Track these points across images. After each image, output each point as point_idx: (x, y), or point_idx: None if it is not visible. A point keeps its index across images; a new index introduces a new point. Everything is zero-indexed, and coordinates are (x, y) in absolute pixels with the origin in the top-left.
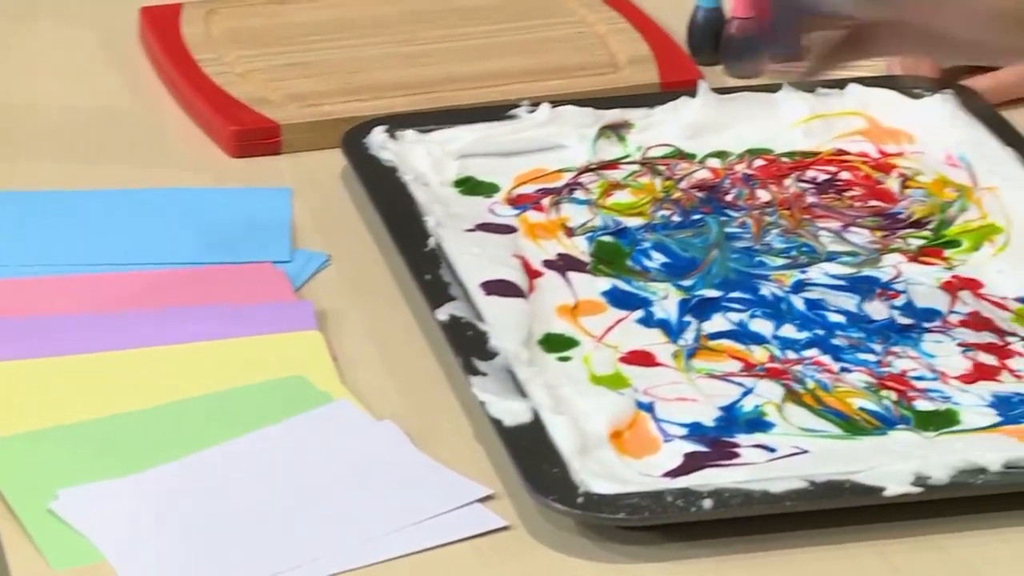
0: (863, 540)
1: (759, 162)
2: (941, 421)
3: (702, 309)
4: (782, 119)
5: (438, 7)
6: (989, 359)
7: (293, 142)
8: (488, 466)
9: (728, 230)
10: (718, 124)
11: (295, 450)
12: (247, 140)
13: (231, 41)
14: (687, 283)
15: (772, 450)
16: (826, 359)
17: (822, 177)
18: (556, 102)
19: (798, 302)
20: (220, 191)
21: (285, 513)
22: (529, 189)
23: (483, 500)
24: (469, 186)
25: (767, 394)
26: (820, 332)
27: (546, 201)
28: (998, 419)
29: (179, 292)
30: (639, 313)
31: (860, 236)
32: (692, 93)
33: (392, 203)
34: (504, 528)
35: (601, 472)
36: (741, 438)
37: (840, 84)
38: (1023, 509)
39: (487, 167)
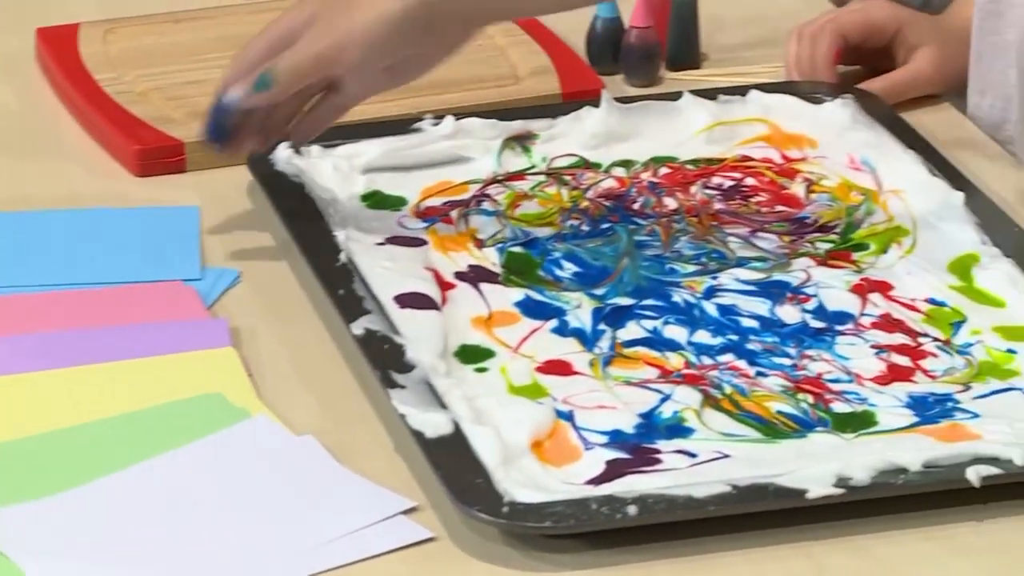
0: (788, 542)
1: (664, 170)
2: (858, 423)
3: (616, 317)
4: (685, 127)
5: None
6: (903, 360)
7: (197, 160)
8: (410, 478)
9: (637, 238)
10: (622, 133)
11: (215, 467)
12: (151, 159)
13: (129, 60)
14: (599, 292)
15: (693, 455)
16: (742, 364)
17: (728, 184)
18: (460, 115)
19: (711, 308)
20: (126, 211)
21: (208, 530)
22: (437, 202)
23: (407, 512)
24: (376, 200)
25: (685, 400)
26: (734, 337)
27: (454, 213)
28: (915, 419)
29: (90, 312)
30: (553, 323)
31: (768, 241)
32: (595, 103)
33: (301, 219)
34: (430, 539)
35: (524, 482)
36: (662, 444)
37: (741, 91)
38: (943, 508)
39: (393, 181)
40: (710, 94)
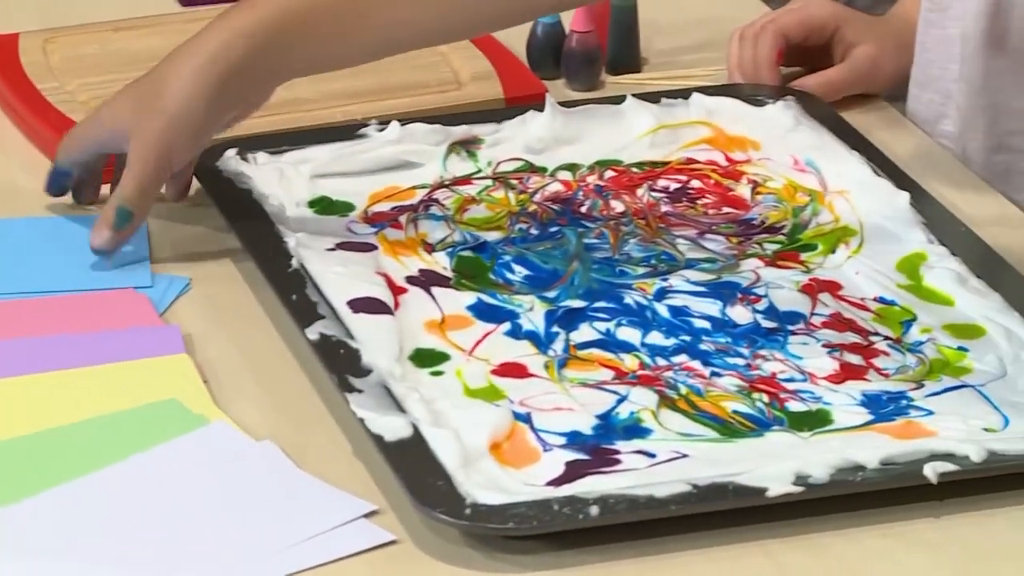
0: (749, 540)
1: (610, 173)
2: (814, 421)
3: (569, 320)
4: (629, 130)
5: None
6: (855, 359)
7: None
8: (370, 482)
9: (586, 241)
10: (566, 137)
11: (175, 474)
12: None
13: (71, 69)
14: (551, 295)
15: (652, 455)
16: (696, 364)
17: (674, 186)
18: (405, 120)
19: (662, 309)
20: (75, 219)
21: (170, 537)
22: (384, 207)
23: (369, 515)
24: (324, 206)
25: (641, 401)
26: (687, 338)
27: (403, 218)
28: (870, 417)
29: (42, 321)
30: (506, 326)
31: (717, 243)
32: (539, 107)
33: (251, 225)
34: (392, 542)
35: (485, 483)
36: (621, 445)
37: (684, 94)
38: (901, 504)
39: (341, 187)
40: (653, 97)
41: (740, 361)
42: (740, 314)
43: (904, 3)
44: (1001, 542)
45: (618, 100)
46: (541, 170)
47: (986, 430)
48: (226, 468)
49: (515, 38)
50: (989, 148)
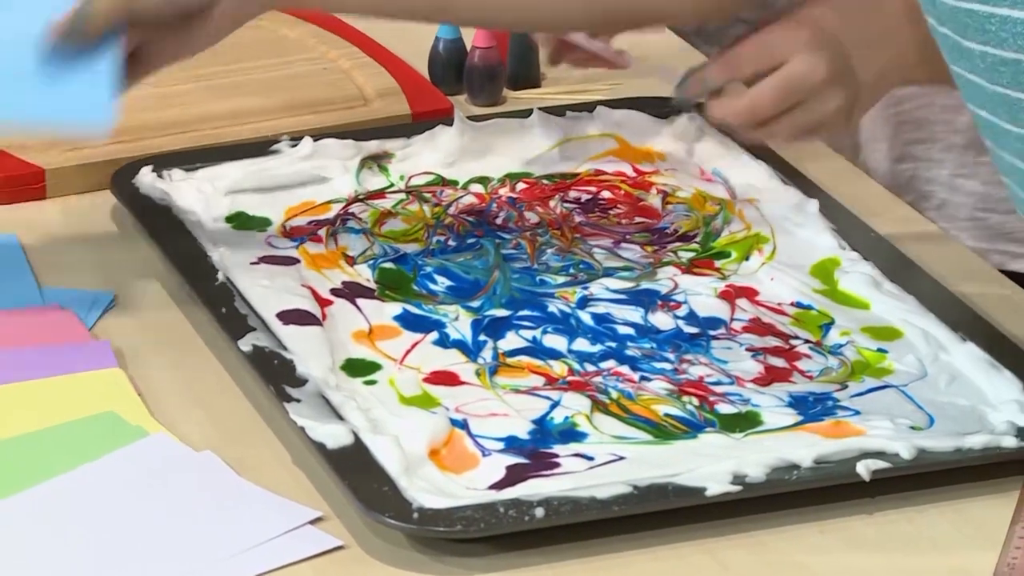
0: (690, 539)
1: (521, 185)
2: (745, 423)
3: (495, 328)
4: (537, 143)
5: None
6: (778, 362)
7: (59, 186)
8: (312, 490)
9: (505, 251)
10: (476, 151)
11: (117, 486)
12: (11, 187)
13: None
14: (475, 304)
15: (590, 458)
16: (625, 369)
17: (585, 197)
18: (317, 136)
19: (586, 317)
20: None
21: (116, 549)
22: (301, 221)
23: (313, 522)
24: (241, 221)
25: (575, 406)
26: (612, 344)
27: (322, 232)
28: (799, 418)
29: None
30: (434, 335)
31: (632, 252)
32: (447, 122)
33: (173, 241)
34: (339, 548)
35: (429, 488)
36: (558, 448)
37: (589, 107)
38: (836, 502)
39: (256, 202)
40: (558, 111)
41: (667, 366)
42: (662, 320)
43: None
44: (933, 535)
45: (525, 114)
46: (453, 183)
47: (913, 428)
48: (168, 479)
49: (417, 55)
50: (893, 158)
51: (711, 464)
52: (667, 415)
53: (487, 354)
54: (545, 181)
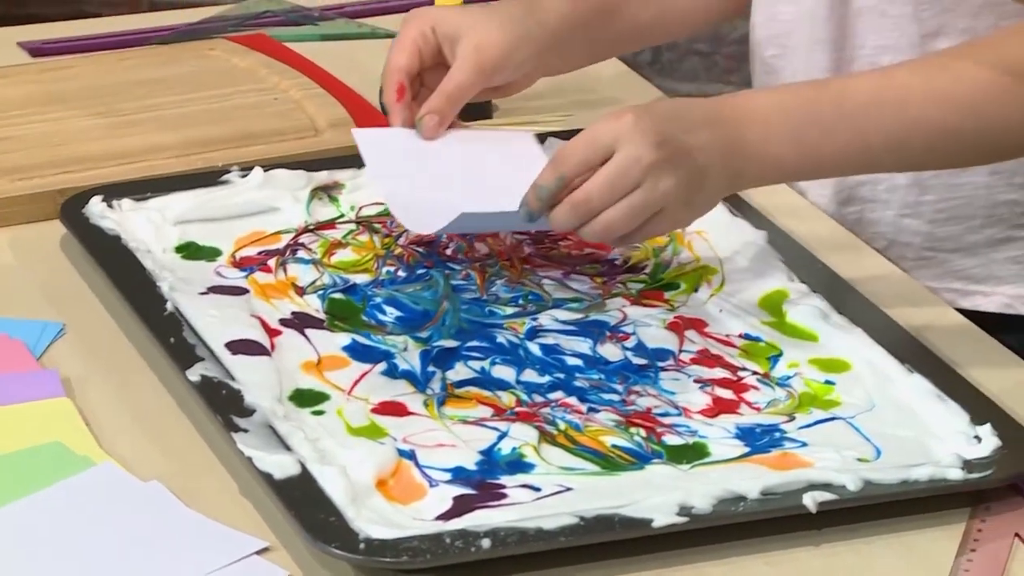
0: (637, 571)
1: None
2: (692, 454)
3: (444, 359)
4: None
5: (128, 79)
6: (726, 393)
7: (8, 216)
8: (259, 520)
9: (454, 282)
10: None
11: (64, 516)
12: None
13: None
14: (424, 335)
15: (537, 489)
16: (572, 400)
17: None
18: (266, 166)
19: (535, 348)
20: None
21: None
22: (251, 251)
23: (260, 552)
24: (191, 251)
25: (522, 436)
26: (561, 375)
27: (272, 262)
28: (746, 449)
29: None
30: (383, 365)
31: (582, 283)
32: None
33: (122, 271)
34: None
35: (376, 519)
36: (505, 479)
37: (539, 138)
38: (782, 534)
39: (206, 232)
40: None
41: (615, 397)
42: (610, 351)
43: None
44: (880, 567)
45: None
46: None
47: (860, 460)
48: (115, 509)
49: (368, 85)
50: (839, 201)
51: (658, 495)
52: (615, 446)
53: (435, 385)
54: None
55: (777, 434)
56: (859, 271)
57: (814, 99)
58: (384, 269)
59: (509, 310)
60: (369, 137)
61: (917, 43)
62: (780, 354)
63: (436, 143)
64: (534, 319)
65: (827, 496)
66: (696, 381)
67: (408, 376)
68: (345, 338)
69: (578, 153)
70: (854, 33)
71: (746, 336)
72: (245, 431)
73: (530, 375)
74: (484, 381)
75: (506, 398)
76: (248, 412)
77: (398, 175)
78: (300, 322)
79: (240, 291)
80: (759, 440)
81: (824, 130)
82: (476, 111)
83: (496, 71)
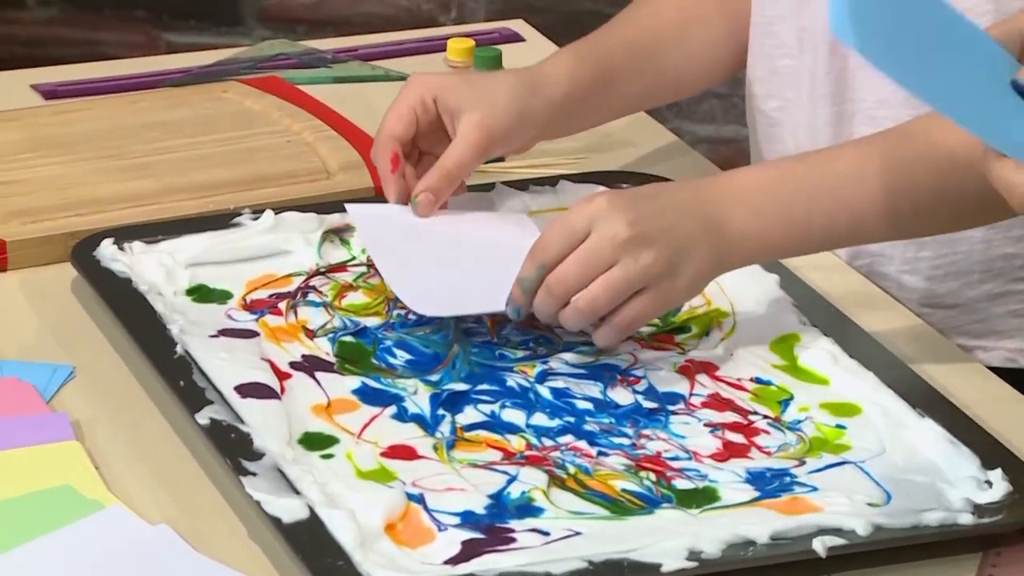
0: None
1: None
2: (702, 498)
3: (454, 402)
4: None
5: (140, 121)
6: (737, 437)
7: (19, 259)
8: (268, 564)
9: (465, 325)
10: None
11: (73, 559)
12: None
13: None
14: (434, 378)
15: (546, 534)
16: (582, 444)
17: None
18: (278, 209)
19: (545, 391)
20: None
21: None
22: (262, 294)
23: None
24: (202, 294)
25: (532, 480)
26: (571, 419)
27: (282, 305)
28: (756, 494)
29: None
30: (392, 409)
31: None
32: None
33: (132, 314)
34: None
35: (384, 563)
36: (515, 524)
37: (551, 181)
38: None
39: (217, 275)
40: (521, 185)
41: (625, 440)
42: (621, 395)
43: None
44: None
45: (487, 187)
46: None
47: (870, 505)
48: (124, 553)
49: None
50: (849, 254)
51: (667, 540)
52: (624, 490)
53: (445, 428)
54: None
55: (787, 478)
56: (870, 315)
57: (798, 172)
58: (395, 312)
59: (520, 353)
60: (364, 213)
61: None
62: (791, 398)
63: (431, 221)
64: (544, 362)
65: (837, 541)
66: (707, 425)
67: (418, 419)
68: (355, 381)
69: (555, 241)
70: (853, 87)
71: (757, 380)
72: (254, 475)
73: (540, 419)
74: (494, 425)
75: (516, 442)
76: (257, 456)
77: (396, 252)
78: (310, 365)
79: (251, 334)
80: (769, 484)
81: (811, 203)
82: None
83: (497, 148)
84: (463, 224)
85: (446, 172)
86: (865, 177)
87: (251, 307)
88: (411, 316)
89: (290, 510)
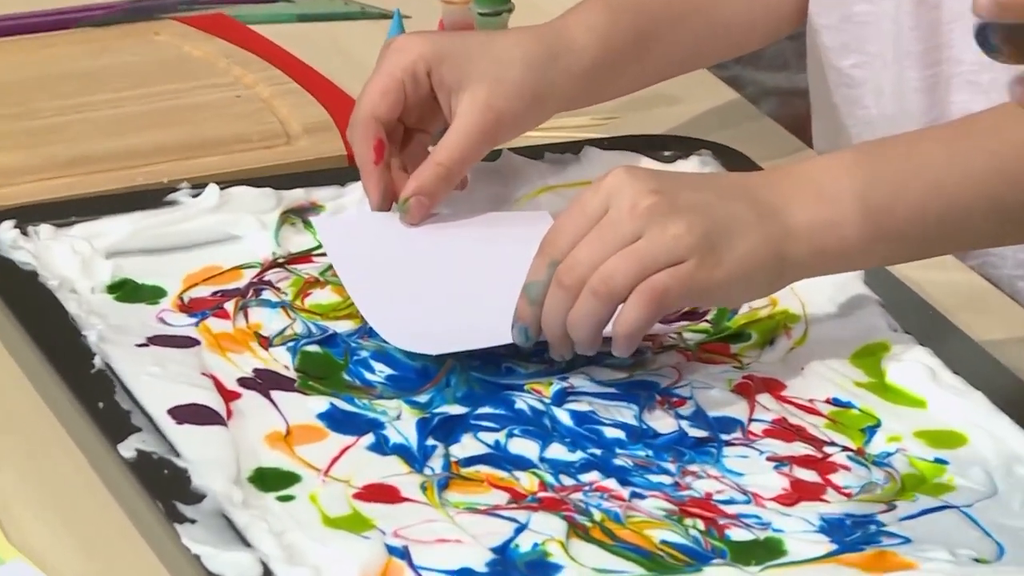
0: None
1: None
2: (763, 552)
3: (447, 430)
4: (507, 193)
5: (51, 71)
6: (808, 475)
7: None
8: None
9: None
10: None
11: None
12: None
13: None
14: (422, 399)
15: None
16: (611, 484)
17: None
18: (224, 183)
19: (564, 416)
20: None
21: None
22: (204, 292)
23: None
24: (127, 291)
25: (546, 530)
26: (597, 452)
27: (229, 306)
28: (833, 547)
29: None
30: (369, 438)
31: None
32: None
33: (39, 317)
34: None
35: None
36: None
37: (574, 147)
38: None
39: (147, 267)
40: (535, 152)
41: (666, 479)
42: (661, 421)
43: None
44: None
45: (492, 157)
46: None
47: (978, 561)
48: None
49: (354, 79)
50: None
51: None
52: (664, 542)
53: (436, 463)
54: None
55: (872, 527)
56: (980, 320)
57: (876, 153)
58: None
59: (532, 367)
60: (335, 229)
61: None
62: (878, 424)
63: (421, 231)
64: (563, 379)
65: None
66: (770, 459)
67: (401, 452)
68: (322, 403)
69: (567, 229)
70: (948, 45)
71: (835, 401)
72: (192, 522)
73: (558, 451)
74: (498, 458)
75: (526, 480)
76: (196, 498)
77: (376, 278)
78: (264, 382)
79: (189, 342)
80: (849, 535)
81: (895, 189)
82: None
83: (506, 135)
84: (461, 231)
85: (443, 169)
86: (967, 161)
87: (190, 308)
88: None
89: (238, 567)
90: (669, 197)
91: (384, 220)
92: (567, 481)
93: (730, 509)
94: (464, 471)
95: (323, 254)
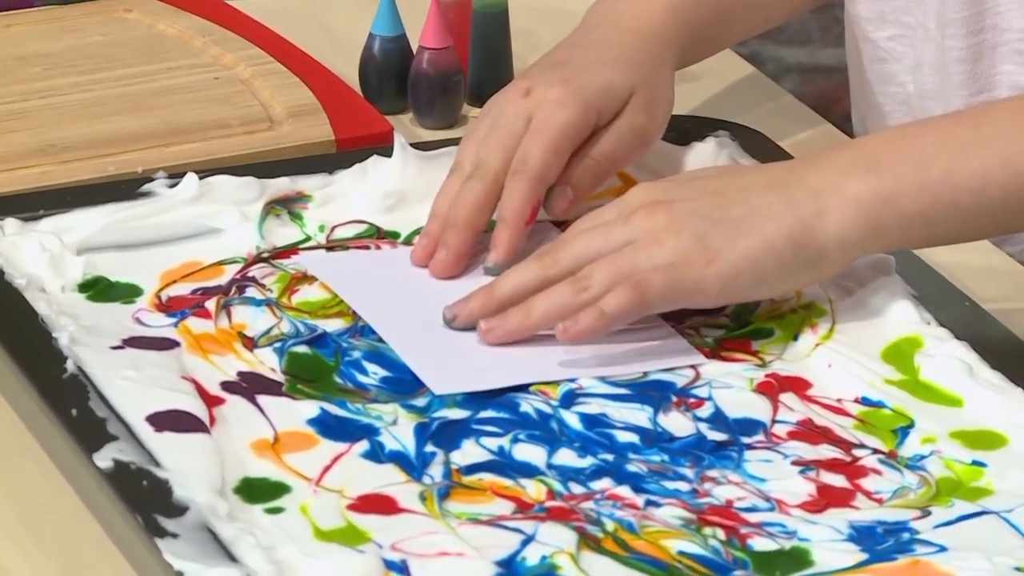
0: None
1: None
2: (789, 563)
3: (447, 436)
4: None
5: (12, 53)
6: (836, 480)
7: None
8: None
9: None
10: (422, 191)
11: None
12: None
13: None
14: (420, 402)
15: None
16: (624, 491)
17: None
18: (203, 172)
19: (572, 419)
20: None
21: None
22: (183, 289)
23: None
24: (100, 290)
25: (555, 541)
26: (609, 457)
27: (211, 304)
28: (863, 556)
29: None
30: (363, 445)
31: None
32: (384, 151)
33: (5, 318)
34: None
35: None
36: None
37: None
38: None
39: (121, 263)
40: None
41: (683, 486)
42: (677, 423)
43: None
44: None
45: None
46: (392, 235)
47: (1018, 570)
48: None
49: (344, 59)
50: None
51: None
52: (682, 553)
53: (436, 471)
54: None
55: (906, 535)
56: (1020, 312)
57: (936, 128)
58: None
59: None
60: (329, 265)
61: None
62: (911, 425)
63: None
64: (572, 379)
65: None
66: (795, 463)
67: (398, 459)
68: (311, 407)
69: (575, 231)
70: (994, 11)
71: (864, 401)
72: (174, 536)
73: (566, 456)
74: (503, 465)
75: (533, 488)
76: (179, 511)
77: (395, 314)
78: (250, 386)
79: (167, 344)
80: (881, 543)
81: (955, 159)
82: (490, 93)
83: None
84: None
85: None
86: None
87: (168, 307)
88: None
89: None
90: (666, 206)
91: (378, 258)
92: (577, 489)
93: (752, 517)
94: (466, 479)
95: (312, 247)
